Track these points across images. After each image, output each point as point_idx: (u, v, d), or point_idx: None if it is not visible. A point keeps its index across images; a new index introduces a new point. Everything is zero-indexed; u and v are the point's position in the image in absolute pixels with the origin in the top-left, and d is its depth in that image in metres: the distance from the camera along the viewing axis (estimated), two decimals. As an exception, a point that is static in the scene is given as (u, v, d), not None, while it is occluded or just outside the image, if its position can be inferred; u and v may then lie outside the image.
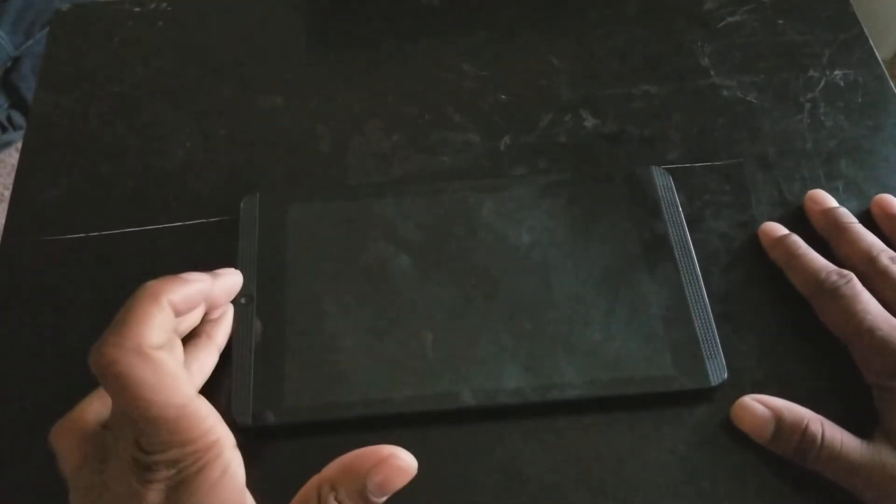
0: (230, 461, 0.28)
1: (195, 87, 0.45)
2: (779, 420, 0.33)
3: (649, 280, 0.37)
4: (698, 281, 0.37)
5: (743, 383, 0.35)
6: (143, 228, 0.40)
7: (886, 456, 0.32)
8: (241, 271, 0.37)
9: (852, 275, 0.35)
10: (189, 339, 0.34)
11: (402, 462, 0.26)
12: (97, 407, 0.31)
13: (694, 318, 0.36)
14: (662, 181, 0.40)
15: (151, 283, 0.30)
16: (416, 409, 0.34)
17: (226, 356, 0.35)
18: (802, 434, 0.32)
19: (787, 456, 0.33)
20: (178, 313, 0.30)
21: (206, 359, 0.34)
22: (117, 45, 0.47)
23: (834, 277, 0.35)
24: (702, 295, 0.37)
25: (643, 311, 0.36)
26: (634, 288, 0.37)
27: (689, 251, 0.38)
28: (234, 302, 0.36)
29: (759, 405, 0.34)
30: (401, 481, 0.27)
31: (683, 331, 0.36)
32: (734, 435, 0.34)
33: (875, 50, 0.46)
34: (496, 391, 0.34)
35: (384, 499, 0.27)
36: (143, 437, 0.27)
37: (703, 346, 0.35)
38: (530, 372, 0.35)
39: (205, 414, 0.28)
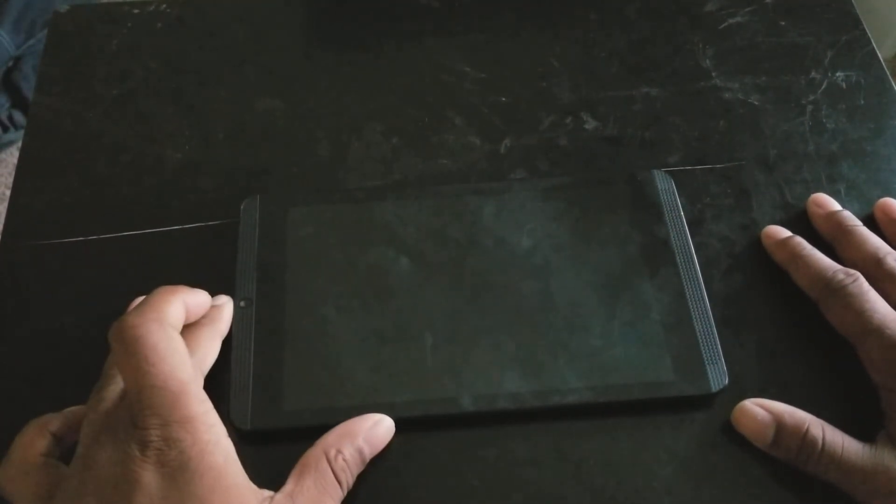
0: (228, 448, 0.29)
1: (194, 89, 0.45)
2: (779, 424, 0.33)
3: (650, 285, 0.37)
4: (700, 286, 0.37)
5: (744, 387, 0.35)
6: (142, 232, 0.40)
7: (889, 460, 0.31)
8: (241, 274, 0.37)
9: (859, 274, 0.35)
10: (193, 326, 0.34)
11: (387, 423, 0.33)
12: (34, 440, 0.31)
13: (695, 323, 0.36)
14: (664, 185, 0.40)
15: (167, 285, 0.32)
16: (416, 414, 0.34)
17: (225, 359, 0.35)
18: (803, 438, 0.32)
19: (787, 460, 0.33)
20: (188, 315, 0.33)
21: (211, 345, 0.34)
22: (116, 46, 0.47)
23: (841, 276, 0.35)
24: (703, 300, 0.36)
25: (644, 316, 0.36)
26: (635, 293, 0.37)
27: (691, 256, 0.38)
28: (234, 305, 0.36)
29: (759, 409, 0.34)
30: (387, 439, 0.33)
31: (684, 336, 0.35)
32: (735, 439, 0.34)
33: (877, 50, 0.46)
34: (496, 396, 0.34)
35: (375, 453, 0.33)
36: (144, 411, 0.28)
37: (704, 351, 0.35)
38: (530, 377, 0.35)
39: (203, 398, 0.29)
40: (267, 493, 0.30)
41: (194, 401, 0.28)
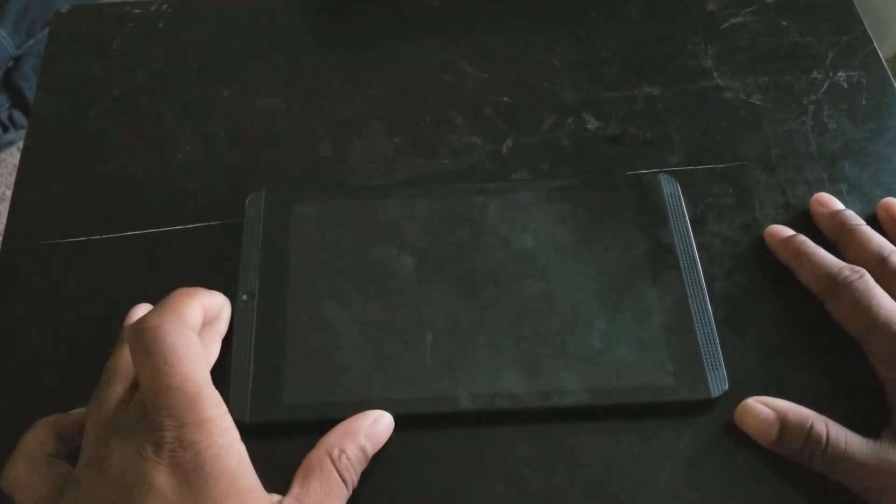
0: (241, 451, 0.29)
1: (195, 89, 0.45)
2: (783, 421, 0.33)
3: (653, 289, 0.37)
4: (702, 291, 0.37)
5: (746, 387, 0.35)
6: (143, 232, 0.40)
7: (894, 455, 0.31)
8: (244, 267, 0.37)
9: (864, 271, 0.35)
10: None
11: (387, 420, 0.33)
12: (41, 440, 0.31)
13: (696, 328, 0.36)
14: (669, 188, 0.40)
15: (185, 288, 0.32)
16: (414, 412, 0.34)
17: (225, 353, 0.35)
18: (807, 435, 0.32)
19: (792, 457, 0.33)
20: (205, 318, 0.32)
21: (212, 346, 0.35)
22: (117, 46, 0.47)
23: (846, 273, 0.35)
24: (705, 305, 0.36)
25: (646, 320, 0.36)
26: (637, 296, 0.36)
27: (695, 261, 0.38)
28: (235, 299, 0.36)
29: (763, 407, 0.33)
30: (387, 436, 0.33)
31: (685, 341, 0.35)
32: (736, 440, 0.34)
33: (878, 50, 0.46)
34: (495, 395, 0.34)
35: (376, 450, 0.33)
36: (160, 412, 0.27)
37: (704, 357, 0.35)
38: (530, 377, 0.34)
39: (218, 401, 0.29)
40: (276, 497, 0.30)
41: (209, 403, 0.28)
